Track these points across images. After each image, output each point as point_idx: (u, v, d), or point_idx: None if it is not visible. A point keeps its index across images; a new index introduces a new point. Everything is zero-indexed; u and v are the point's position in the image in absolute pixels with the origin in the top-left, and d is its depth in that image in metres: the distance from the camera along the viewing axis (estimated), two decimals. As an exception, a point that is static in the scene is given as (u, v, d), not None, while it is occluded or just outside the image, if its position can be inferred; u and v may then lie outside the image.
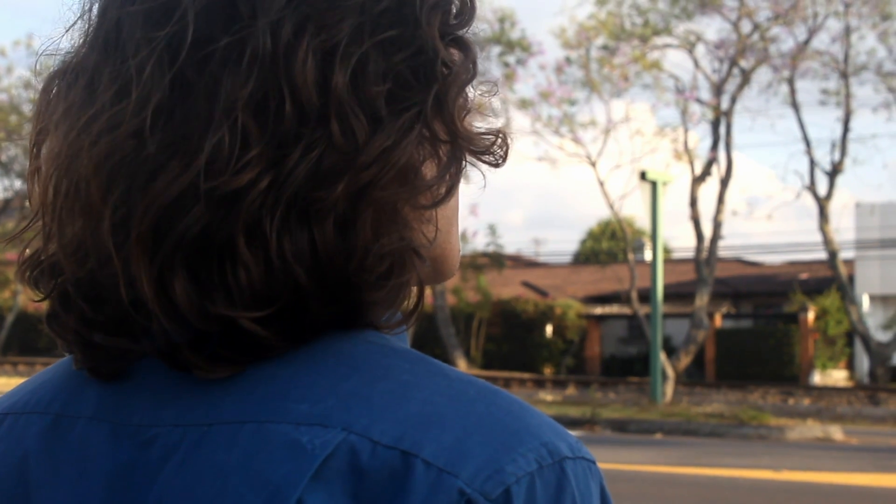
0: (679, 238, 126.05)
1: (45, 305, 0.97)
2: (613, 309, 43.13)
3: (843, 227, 48.79)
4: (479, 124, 0.96)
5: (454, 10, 0.96)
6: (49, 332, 0.96)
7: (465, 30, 0.97)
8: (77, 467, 0.91)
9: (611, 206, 30.25)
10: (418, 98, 0.90)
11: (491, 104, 1.00)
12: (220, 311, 0.85)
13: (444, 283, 1.08)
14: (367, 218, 0.87)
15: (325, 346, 0.89)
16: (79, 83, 0.92)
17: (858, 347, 38.96)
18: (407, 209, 0.91)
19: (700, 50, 36.03)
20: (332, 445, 0.83)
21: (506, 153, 0.97)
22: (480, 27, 1.00)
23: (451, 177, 0.92)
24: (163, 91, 0.87)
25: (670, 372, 27.25)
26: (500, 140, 0.97)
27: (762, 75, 33.00)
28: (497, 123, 0.98)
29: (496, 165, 0.97)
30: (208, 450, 0.86)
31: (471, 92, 0.96)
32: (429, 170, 0.92)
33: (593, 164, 30.65)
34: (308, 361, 0.88)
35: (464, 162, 0.94)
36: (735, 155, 31.17)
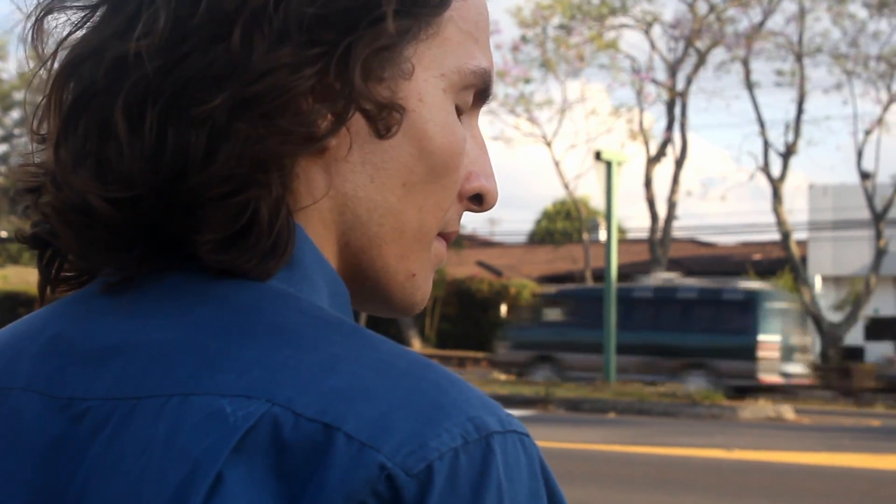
0: (634, 218, 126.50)
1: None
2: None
3: (797, 209, 49.36)
4: (385, 94, 0.93)
5: None
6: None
7: (431, 9, 0.94)
8: (7, 440, 0.89)
9: (566, 186, 30.37)
10: (336, 41, 0.89)
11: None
12: (80, 182, 0.87)
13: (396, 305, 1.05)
14: (237, 139, 0.86)
15: (256, 315, 0.86)
16: None
17: (810, 328, 39.30)
18: (302, 162, 0.91)
19: (656, 30, 36.18)
20: (255, 417, 0.80)
21: (392, 131, 0.93)
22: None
23: (330, 129, 0.90)
24: None
25: (624, 352, 27.34)
26: (395, 117, 0.93)
27: (717, 56, 33.15)
28: (405, 100, 0.94)
29: (379, 136, 0.93)
30: (136, 424, 0.83)
31: (404, 66, 0.94)
32: (319, 119, 0.90)
33: (549, 144, 30.76)
34: (238, 333, 0.85)
35: (347, 124, 0.91)
36: (690, 136, 31.43)
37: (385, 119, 0.92)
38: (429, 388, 0.82)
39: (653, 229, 31.07)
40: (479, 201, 1.02)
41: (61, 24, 0.94)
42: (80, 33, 0.92)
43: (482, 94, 1.00)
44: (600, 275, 28.54)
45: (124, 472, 0.82)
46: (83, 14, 0.93)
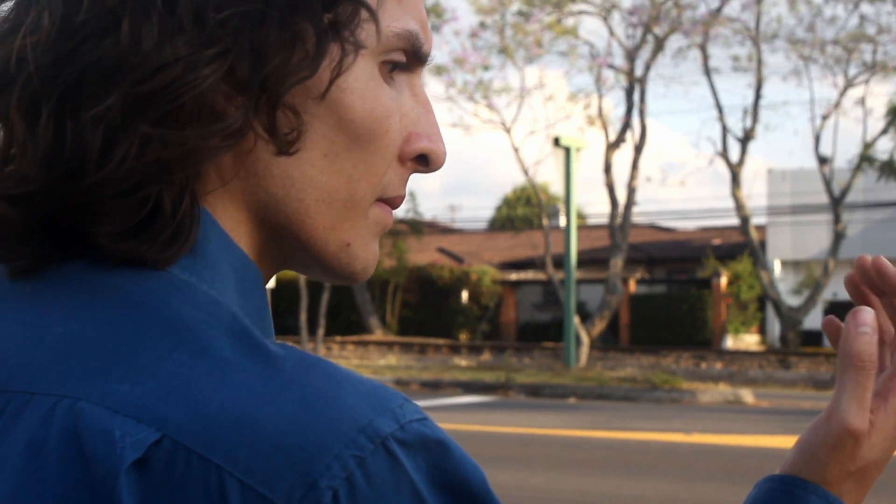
0: (594, 204, 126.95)
1: None
2: (528, 275, 43.36)
3: (756, 194, 49.59)
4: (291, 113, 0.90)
5: None
6: None
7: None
8: None
9: (525, 173, 30.35)
10: (238, 40, 0.86)
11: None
12: None
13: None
14: (132, 143, 0.84)
15: (151, 310, 0.84)
16: None
17: (770, 312, 39.51)
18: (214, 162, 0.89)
19: (615, 17, 36.16)
20: (144, 447, 0.77)
21: (292, 147, 0.91)
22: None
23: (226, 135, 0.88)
24: None
25: (584, 337, 27.43)
26: (295, 135, 0.91)
27: (675, 42, 33.26)
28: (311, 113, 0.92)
29: (280, 150, 0.91)
30: (27, 421, 0.81)
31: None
32: (227, 113, 0.88)
33: (508, 131, 30.74)
34: (133, 331, 0.83)
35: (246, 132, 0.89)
36: (649, 121, 31.50)
37: (287, 135, 0.90)
38: (315, 398, 0.79)
39: (612, 215, 31.12)
40: (424, 162, 1.00)
41: None
42: None
43: (416, 55, 0.98)
44: (561, 260, 28.56)
45: (10, 471, 0.80)
46: None
